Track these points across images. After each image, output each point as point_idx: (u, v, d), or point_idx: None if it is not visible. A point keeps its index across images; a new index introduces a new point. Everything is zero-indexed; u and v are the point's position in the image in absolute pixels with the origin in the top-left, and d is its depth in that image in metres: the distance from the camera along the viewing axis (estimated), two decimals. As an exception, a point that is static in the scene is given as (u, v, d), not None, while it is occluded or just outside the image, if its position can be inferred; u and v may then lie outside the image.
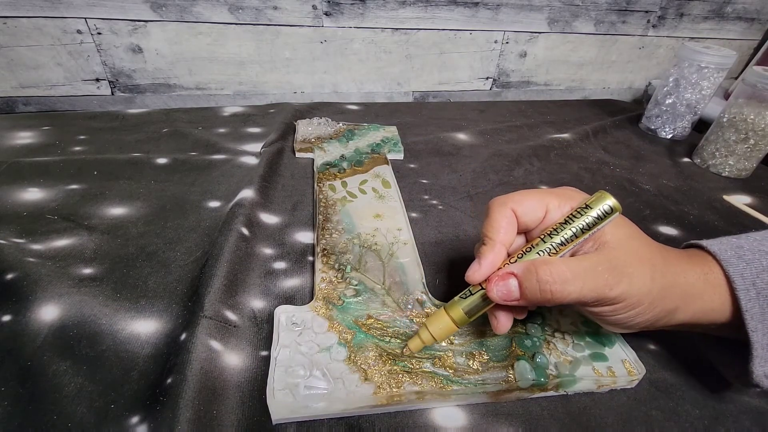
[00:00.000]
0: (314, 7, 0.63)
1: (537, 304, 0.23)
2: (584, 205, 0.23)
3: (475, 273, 0.24)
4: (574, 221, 0.23)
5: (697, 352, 0.29)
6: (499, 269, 0.24)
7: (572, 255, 0.24)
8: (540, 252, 0.23)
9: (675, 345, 0.30)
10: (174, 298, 0.29)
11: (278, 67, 0.67)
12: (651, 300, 0.22)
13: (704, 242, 0.25)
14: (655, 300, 0.22)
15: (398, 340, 0.26)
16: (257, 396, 0.24)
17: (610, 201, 0.22)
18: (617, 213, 0.22)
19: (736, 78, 0.79)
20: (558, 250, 0.23)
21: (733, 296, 0.23)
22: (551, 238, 0.23)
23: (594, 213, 0.22)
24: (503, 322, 0.24)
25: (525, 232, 0.26)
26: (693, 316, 0.23)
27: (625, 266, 0.22)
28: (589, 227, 0.23)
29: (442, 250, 0.37)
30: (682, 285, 0.23)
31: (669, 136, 0.63)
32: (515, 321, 0.26)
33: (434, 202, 0.43)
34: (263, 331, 0.28)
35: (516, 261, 0.23)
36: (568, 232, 0.23)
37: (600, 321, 0.24)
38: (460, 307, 0.24)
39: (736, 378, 0.24)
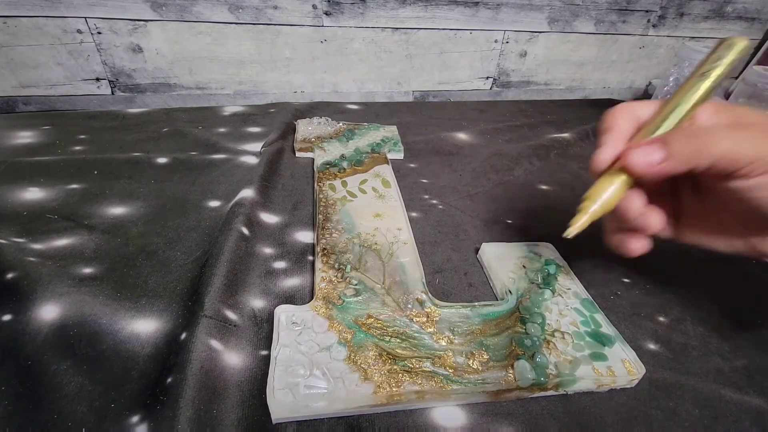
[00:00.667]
0: (314, 7, 0.63)
1: (686, 165, 0.20)
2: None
3: (601, 157, 0.22)
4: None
5: (697, 352, 0.29)
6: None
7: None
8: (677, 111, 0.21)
9: (675, 345, 0.30)
10: (174, 297, 0.29)
11: (278, 66, 0.67)
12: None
13: None
14: None
15: (398, 340, 0.26)
16: (257, 395, 0.24)
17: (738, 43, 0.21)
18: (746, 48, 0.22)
19: (736, 78, 0.79)
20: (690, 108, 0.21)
21: None
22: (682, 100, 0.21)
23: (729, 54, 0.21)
24: (653, 222, 0.22)
25: None
26: None
27: (759, 128, 0.20)
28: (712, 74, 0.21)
29: (442, 249, 0.37)
30: None
31: (669, 136, 0.63)
32: (516, 320, 0.26)
33: (434, 201, 0.43)
34: (263, 330, 0.28)
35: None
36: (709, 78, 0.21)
37: (757, 207, 0.21)
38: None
39: None
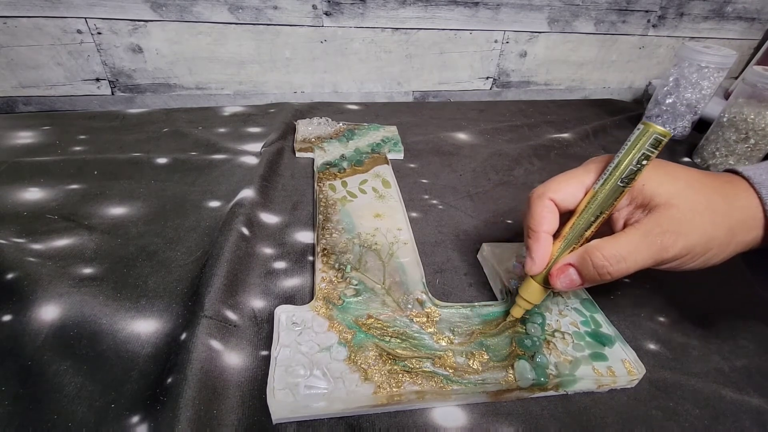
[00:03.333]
0: (314, 7, 0.63)
1: (601, 281, 0.24)
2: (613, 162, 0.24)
3: (531, 267, 0.25)
4: (611, 177, 0.23)
5: (697, 352, 0.29)
6: (555, 261, 0.25)
7: (625, 223, 0.25)
8: (583, 223, 0.24)
9: (675, 345, 0.30)
10: (174, 297, 0.29)
11: (278, 66, 0.67)
12: (719, 243, 0.23)
13: (740, 168, 0.25)
14: (723, 242, 0.23)
15: (398, 340, 0.26)
16: (257, 395, 0.24)
17: (650, 135, 0.22)
18: (666, 140, 0.22)
19: (737, 78, 0.79)
20: (599, 216, 0.24)
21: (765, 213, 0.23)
22: (588, 208, 0.24)
23: (633, 154, 0.23)
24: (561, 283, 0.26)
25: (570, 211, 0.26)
26: (745, 242, 0.24)
27: (680, 224, 0.22)
28: (630, 178, 0.23)
29: (442, 250, 0.37)
30: (727, 224, 0.23)
31: (669, 136, 0.63)
32: (516, 320, 0.27)
33: (434, 202, 0.43)
34: (263, 330, 0.28)
35: (566, 242, 0.25)
36: (605, 191, 0.24)
37: (672, 270, 0.24)
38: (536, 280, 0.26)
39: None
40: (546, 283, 0.25)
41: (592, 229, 0.24)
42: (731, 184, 0.24)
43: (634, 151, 0.23)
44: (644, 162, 0.23)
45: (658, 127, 0.22)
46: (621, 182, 0.23)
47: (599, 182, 0.24)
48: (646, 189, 0.24)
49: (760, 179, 0.24)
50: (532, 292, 0.26)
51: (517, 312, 0.28)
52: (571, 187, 0.25)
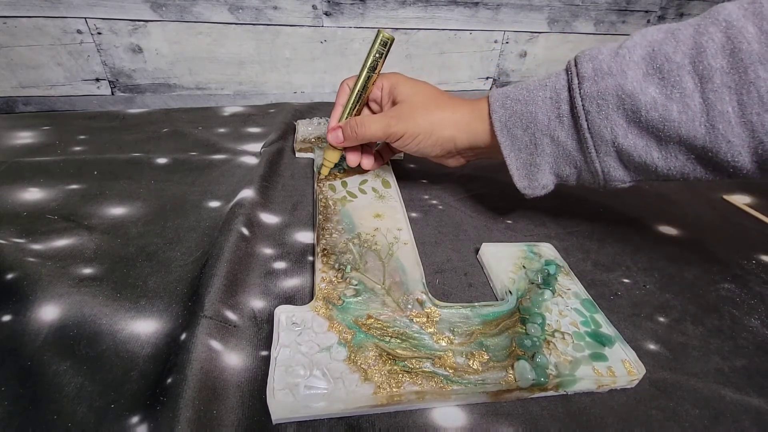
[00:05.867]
0: (314, 7, 0.63)
1: (355, 141, 0.38)
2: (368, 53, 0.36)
3: (330, 125, 0.39)
4: (364, 69, 0.36)
5: (697, 352, 0.29)
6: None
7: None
8: (352, 100, 0.38)
9: (675, 345, 0.30)
10: (174, 298, 0.29)
11: (278, 66, 0.67)
12: (424, 131, 0.35)
13: (491, 90, 0.35)
14: (427, 131, 0.35)
15: (398, 340, 0.26)
16: (257, 396, 0.24)
17: (380, 37, 0.35)
18: (390, 42, 0.35)
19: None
20: (360, 95, 0.37)
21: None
22: (354, 91, 0.37)
23: (372, 53, 0.36)
24: (351, 159, 0.40)
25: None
26: (469, 140, 0.36)
27: (406, 113, 0.35)
28: (374, 67, 0.36)
29: (442, 250, 0.37)
30: (452, 118, 0.35)
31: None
32: (516, 320, 0.27)
33: (434, 202, 0.43)
34: (263, 331, 0.28)
35: (345, 113, 0.38)
36: (361, 79, 0.37)
37: (408, 152, 0.38)
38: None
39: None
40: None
41: (358, 105, 0.38)
42: (476, 103, 0.35)
43: (374, 49, 0.36)
44: (378, 55, 0.36)
45: (386, 33, 0.35)
46: (368, 71, 0.36)
47: (360, 74, 0.37)
48: (396, 91, 0.37)
49: (494, 97, 0.34)
50: (329, 152, 0.40)
51: (323, 170, 0.42)
52: (354, 78, 0.38)
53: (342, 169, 0.44)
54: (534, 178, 0.34)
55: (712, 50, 0.25)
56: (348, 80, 0.39)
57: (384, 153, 0.44)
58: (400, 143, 0.36)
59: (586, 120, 0.29)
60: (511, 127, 0.33)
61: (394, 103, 0.37)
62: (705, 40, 0.25)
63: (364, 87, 0.37)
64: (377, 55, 0.36)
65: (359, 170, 0.44)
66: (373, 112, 0.41)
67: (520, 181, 0.35)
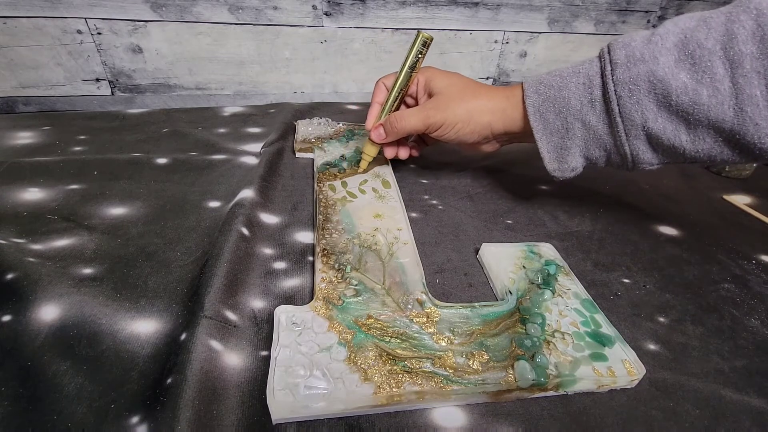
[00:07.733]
0: (314, 7, 0.63)
1: (397, 136, 0.39)
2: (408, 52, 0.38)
3: (367, 124, 0.41)
4: (404, 67, 0.38)
5: (697, 352, 0.29)
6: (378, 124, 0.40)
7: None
8: (392, 97, 0.39)
9: (675, 345, 0.30)
10: (174, 298, 0.29)
11: (278, 67, 0.67)
12: (462, 119, 0.37)
13: (527, 78, 0.36)
14: (465, 119, 0.37)
15: (398, 340, 0.26)
16: (257, 396, 0.24)
17: (420, 38, 0.37)
18: (430, 41, 0.37)
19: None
20: (400, 92, 0.39)
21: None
22: (394, 88, 0.39)
23: (414, 53, 0.37)
24: (388, 152, 0.43)
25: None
26: (504, 125, 0.37)
27: (443, 104, 0.37)
28: (414, 66, 0.38)
29: (442, 250, 0.37)
30: (488, 105, 0.37)
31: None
32: (516, 320, 0.27)
33: (434, 202, 0.43)
34: (263, 331, 0.28)
35: (384, 110, 0.40)
36: (402, 78, 0.39)
37: (447, 141, 0.40)
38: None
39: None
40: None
41: (397, 102, 0.40)
42: (510, 90, 0.37)
43: (413, 49, 0.37)
44: (419, 55, 0.37)
45: (425, 33, 0.37)
46: (409, 69, 0.38)
47: (400, 72, 0.39)
48: (432, 84, 0.38)
49: (528, 83, 0.35)
50: (369, 147, 0.42)
51: (362, 164, 0.43)
52: (391, 77, 0.40)
53: (342, 169, 0.44)
54: (564, 160, 0.35)
55: (743, 37, 0.26)
56: (383, 79, 0.41)
57: (418, 144, 0.47)
58: (440, 132, 0.37)
59: (618, 105, 0.30)
60: (544, 111, 0.34)
61: (429, 96, 0.39)
62: (736, 27, 0.26)
63: (405, 84, 0.39)
64: (418, 55, 0.37)
65: (357, 171, 0.44)
66: (408, 106, 0.42)
67: (551, 164, 0.35)
